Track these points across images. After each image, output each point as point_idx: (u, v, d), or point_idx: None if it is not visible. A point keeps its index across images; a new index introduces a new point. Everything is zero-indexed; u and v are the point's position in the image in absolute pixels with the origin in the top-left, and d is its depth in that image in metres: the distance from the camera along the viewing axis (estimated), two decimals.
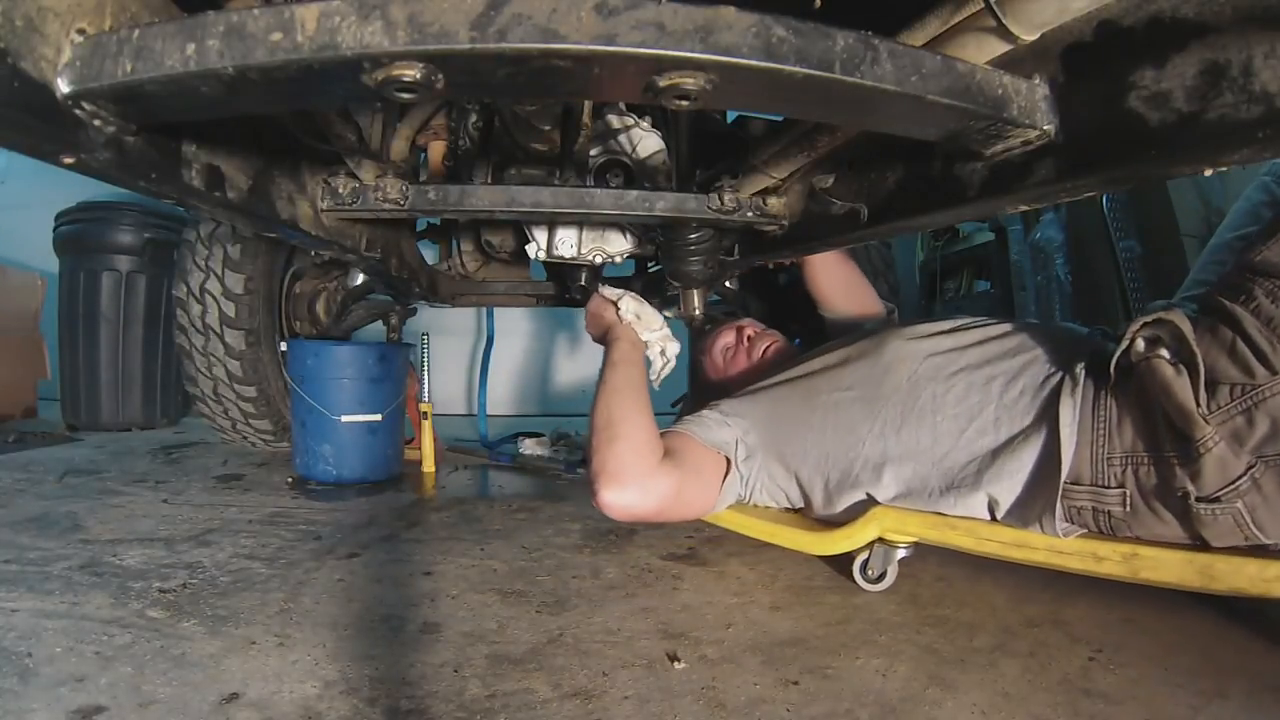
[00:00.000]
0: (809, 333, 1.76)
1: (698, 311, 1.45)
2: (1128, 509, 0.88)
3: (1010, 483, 0.95)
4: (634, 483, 1.00)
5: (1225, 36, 0.51)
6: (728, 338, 1.47)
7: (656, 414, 1.07)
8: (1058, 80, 0.64)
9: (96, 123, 0.57)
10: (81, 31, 0.53)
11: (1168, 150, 0.56)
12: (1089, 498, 0.90)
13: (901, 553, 1.11)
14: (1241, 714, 0.77)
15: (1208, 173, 0.58)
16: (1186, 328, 0.82)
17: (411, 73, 0.50)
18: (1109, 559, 0.90)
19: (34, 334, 3.09)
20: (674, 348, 1.24)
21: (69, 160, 0.58)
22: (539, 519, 1.54)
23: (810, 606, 1.06)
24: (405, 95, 0.53)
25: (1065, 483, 0.90)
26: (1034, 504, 0.93)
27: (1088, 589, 1.10)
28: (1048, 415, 0.93)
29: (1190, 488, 0.82)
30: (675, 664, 0.87)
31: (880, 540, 1.09)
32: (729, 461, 1.14)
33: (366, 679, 0.82)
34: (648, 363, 1.22)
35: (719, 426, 1.17)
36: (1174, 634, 0.96)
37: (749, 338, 1.45)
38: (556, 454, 2.23)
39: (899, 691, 0.81)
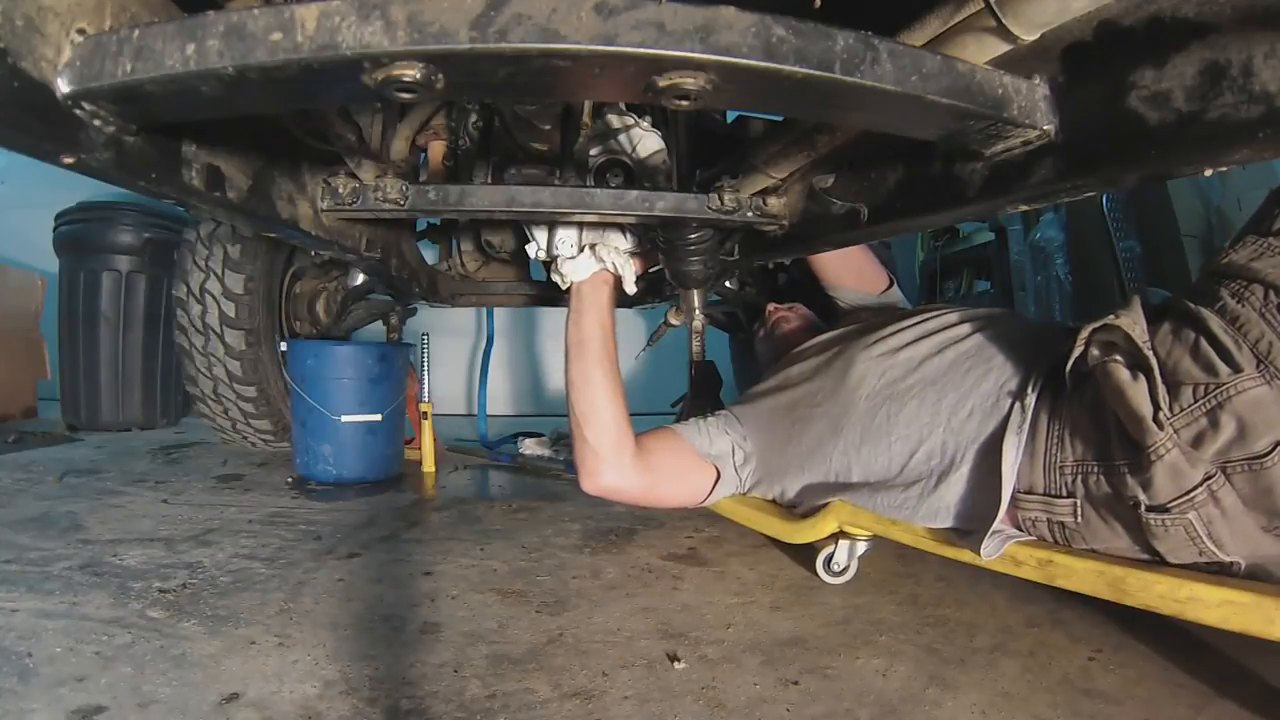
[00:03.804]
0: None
1: (698, 312, 1.45)
2: (1079, 519, 0.86)
3: (950, 511, 0.96)
4: (608, 472, 1.12)
5: (1225, 36, 0.51)
6: (777, 311, 1.58)
7: (656, 414, 1.07)
8: (1058, 80, 0.64)
9: (96, 123, 0.57)
10: (81, 31, 0.53)
11: (1168, 150, 0.56)
12: (1041, 508, 0.89)
13: (863, 547, 1.14)
14: (1242, 714, 0.77)
15: (1208, 173, 0.58)
16: (1138, 331, 0.79)
17: (411, 73, 0.50)
18: (1026, 564, 0.89)
19: (34, 334, 3.09)
20: (625, 264, 1.23)
21: (69, 160, 0.58)
22: (539, 519, 1.54)
23: (810, 606, 1.06)
24: (405, 95, 0.53)
25: (1018, 492, 0.90)
26: (971, 532, 0.93)
27: None
28: (992, 448, 0.92)
29: (1141, 496, 0.78)
30: (675, 664, 0.87)
31: (843, 534, 1.12)
32: (718, 472, 1.21)
33: (366, 679, 0.82)
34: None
35: (719, 436, 1.23)
36: (1174, 634, 0.95)
37: (773, 320, 1.55)
38: (556, 454, 2.23)
39: (899, 691, 0.81)
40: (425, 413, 2.08)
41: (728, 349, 2.58)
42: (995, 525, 0.88)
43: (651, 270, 1.52)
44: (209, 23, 0.50)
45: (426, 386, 2.13)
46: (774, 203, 1.13)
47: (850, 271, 1.48)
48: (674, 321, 1.50)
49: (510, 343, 3.77)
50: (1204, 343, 0.76)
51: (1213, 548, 0.77)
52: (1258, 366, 0.72)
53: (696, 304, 1.42)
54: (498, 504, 1.69)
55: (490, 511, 1.61)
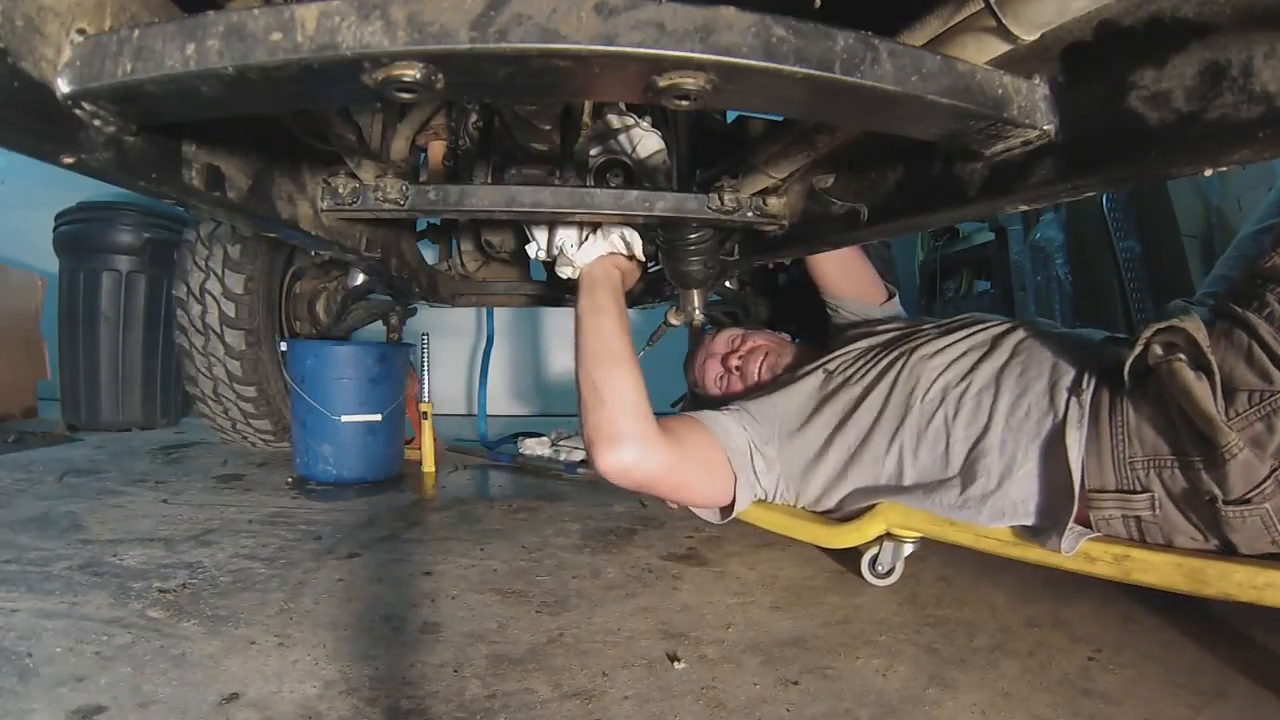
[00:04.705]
0: (810, 332, 1.76)
1: (698, 312, 1.45)
2: (1157, 511, 0.87)
3: (1017, 509, 0.96)
4: (631, 442, 0.99)
5: (1225, 36, 0.51)
6: (715, 368, 1.47)
7: (656, 414, 1.06)
8: (1058, 80, 0.64)
9: (96, 123, 0.57)
10: (81, 31, 0.53)
11: (1168, 150, 0.56)
12: (1116, 505, 0.90)
13: (909, 548, 1.13)
14: (1242, 714, 0.77)
15: (1208, 173, 0.58)
16: (1201, 335, 0.82)
17: (411, 73, 0.50)
18: (1101, 560, 0.90)
19: (34, 334, 3.10)
20: (634, 236, 1.22)
21: (69, 160, 0.58)
22: (539, 519, 1.54)
23: (810, 606, 1.06)
24: (405, 95, 0.52)
25: (1090, 491, 0.90)
26: (1044, 530, 0.94)
27: (1088, 589, 1.10)
28: (1054, 441, 0.93)
29: (1217, 491, 0.81)
30: (675, 664, 0.87)
31: (889, 536, 1.11)
32: (735, 476, 1.14)
33: (366, 679, 0.82)
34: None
35: (737, 433, 1.17)
36: (1174, 634, 0.96)
37: (737, 368, 1.43)
38: (556, 454, 2.23)
39: (899, 691, 0.81)
40: (425, 413, 2.09)
41: None
42: (1071, 520, 0.90)
43: (651, 270, 1.52)
44: (209, 23, 0.50)
45: (426, 386, 2.13)
46: (774, 203, 1.13)
47: (852, 283, 1.48)
48: (674, 321, 1.50)
49: (510, 343, 3.77)
50: (1257, 349, 0.80)
51: None
52: None
53: (696, 304, 1.42)
54: (498, 504, 1.69)
55: (490, 511, 1.61)
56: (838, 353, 1.27)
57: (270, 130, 0.92)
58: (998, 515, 0.97)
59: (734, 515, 1.17)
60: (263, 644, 0.90)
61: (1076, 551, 0.90)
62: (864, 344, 1.28)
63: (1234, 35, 0.50)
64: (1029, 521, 0.95)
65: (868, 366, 1.19)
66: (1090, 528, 0.92)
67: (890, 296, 1.50)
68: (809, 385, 1.23)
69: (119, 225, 2.71)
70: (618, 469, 1.00)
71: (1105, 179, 0.64)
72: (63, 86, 0.52)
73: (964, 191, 0.77)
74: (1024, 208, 0.79)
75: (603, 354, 1.06)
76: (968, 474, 1.00)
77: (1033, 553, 0.95)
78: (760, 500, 1.20)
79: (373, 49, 0.48)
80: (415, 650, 0.90)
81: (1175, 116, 0.54)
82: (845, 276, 1.48)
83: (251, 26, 0.49)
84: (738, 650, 0.91)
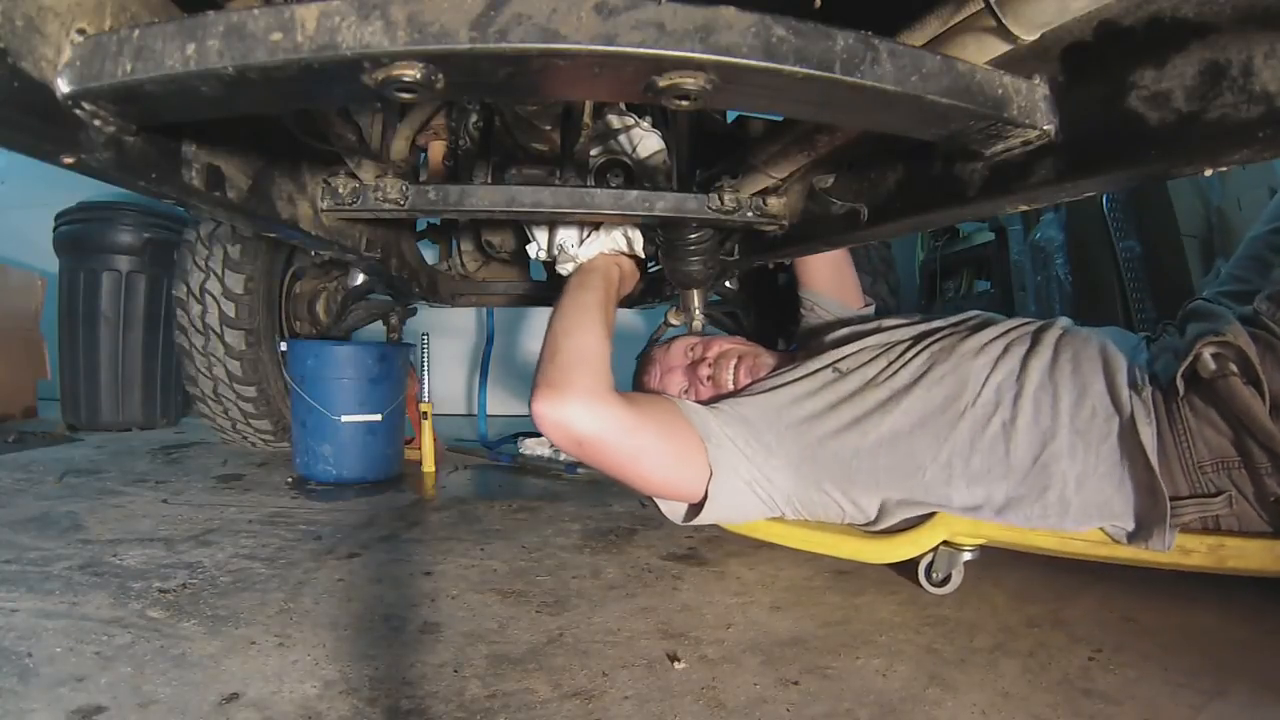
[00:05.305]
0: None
1: (698, 312, 1.45)
2: (1233, 508, 0.92)
3: (1100, 511, 0.96)
4: (580, 391, 0.91)
5: (1225, 36, 0.51)
6: (677, 382, 1.30)
7: None
8: (1058, 80, 0.64)
9: (96, 123, 0.57)
10: (81, 31, 0.53)
11: (1168, 150, 0.56)
12: (1196, 509, 0.93)
13: (967, 555, 1.06)
14: (1242, 714, 0.77)
15: (1208, 173, 0.58)
16: (1252, 351, 0.86)
17: (412, 73, 0.50)
18: (1196, 551, 0.93)
19: (34, 334, 3.10)
20: (635, 233, 1.23)
21: (69, 160, 0.58)
22: (539, 519, 1.54)
23: (810, 606, 1.06)
24: (405, 95, 0.53)
25: (1170, 499, 0.91)
26: (1143, 528, 0.94)
27: (1088, 589, 1.10)
28: (1126, 440, 0.94)
29: None
30: (675, 664, 0.87)
31: (945, 543, 1.06)
32: (710, 468, 1.03)
33: (366, 679, 0.82)
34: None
35: (717, 428, 1.07)
36: (1174, 634, 0.95)
37: (708, 378, 1.27)
38: (556, 454, 2.23)
39: (899, 691, 0.81)
40: (425, 413, 2.08)
41: None
42: (1168, 516, 0.91)
43: (652, 270, 1.52)
44: (209, 23, 0.50)
45: (426, 386, 2.13)
46: (774, 203, 1.13)
47: (836, 283, 1.46)
48: (674, 321, 1.50)
49: (511, 343, 3.77)
50: None
51: None
52: None
53: (696, 304, 1.42)
54: (498, 504, 1.69)
55: (490, 511, 1.61)
56: (845, 351, 1.18)
57: (270, 130, 0.92)
58: (1085, 519, 0.96)
59: (705, 518, 1.06)
60: (263, 644, 0.90)
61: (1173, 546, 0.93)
62: (874, 341, 1.19)
63: (1234, 35, 0.50)
64: (1119, 522, 0.96)
65: (895, 366, 1.10)
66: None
67: (869, 306, 1.48)
68: (814, 384, 1.13)
69: (119, 225, 2.71)
70: (559, 419, 0.91)
71: (1105, 179, 0.64)
72: (63, 86, 0.52)
73: (964, 191, 0.77)
74: (1024, 208, 0.79)
75: (575, 318, 1.03)
76: (1039, 480, 0.97)
77: (1124, 552, 0.97)
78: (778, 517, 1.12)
79: (373, 49, 0.48)
80: (415, 650, 0.90)
81: (1175, 116, 0.54)
82: (835, 274, 1.46)
83: (251, 26, 0.50)
84: (738, 650, 0.91)
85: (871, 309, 1.48)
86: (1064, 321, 1.11)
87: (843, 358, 1.17)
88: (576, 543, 1.37)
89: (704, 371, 1.28)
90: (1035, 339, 1.07)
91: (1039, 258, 2.68)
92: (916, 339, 1.16)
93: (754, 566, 1.23)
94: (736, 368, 1.27)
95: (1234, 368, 0.87)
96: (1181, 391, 0.91)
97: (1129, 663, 0.88)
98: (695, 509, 1.08)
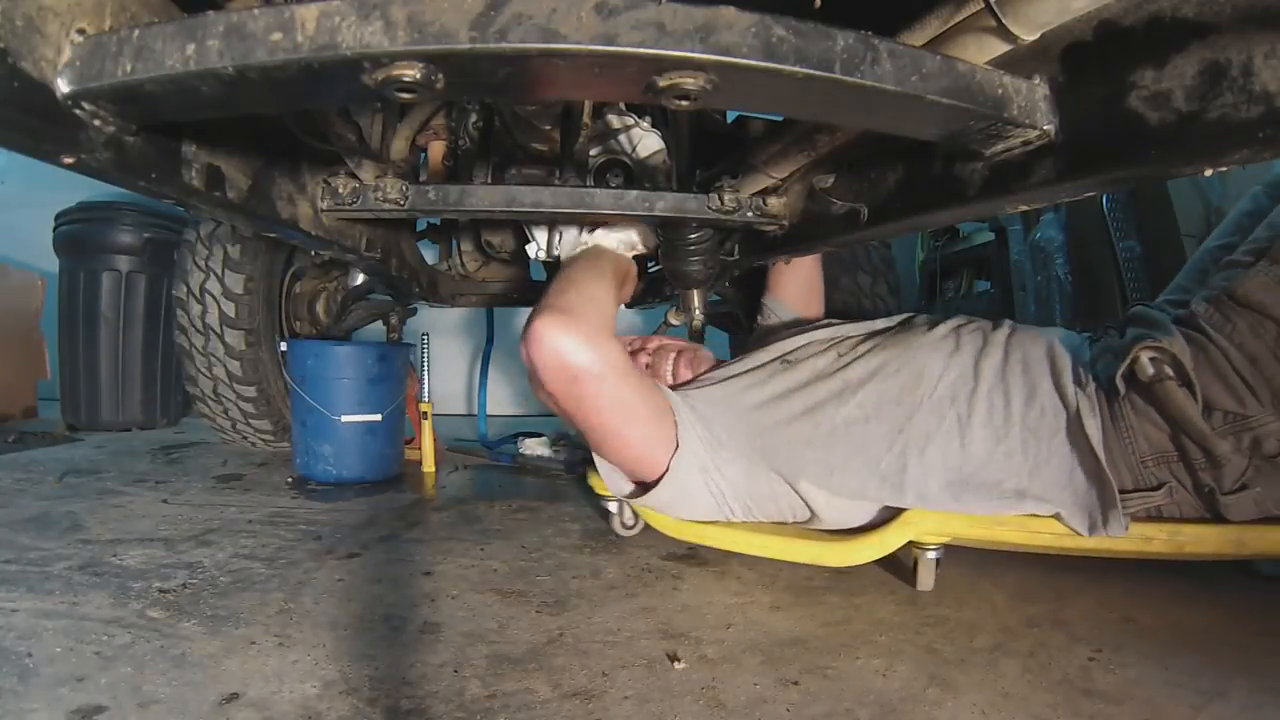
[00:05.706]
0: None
1: (698, 312, 1.45)
2: (1173, 498, 0.98)
3: (1052, 502, 0.99)
4: (584, 323, 0.89)
5: (1225, 36, 0.51)
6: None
7: None
8: (1058, 80, 0.64)
9: (96, 123, 0.57)
10: (81, 31, 0.53)
11: (1168, 150, 0.56)
12: (1141, 502, 0.98)
13: (931, 554, 1.07)
14: (1242, 714, 0.77)
15: (1208, 173, 0.58)
16: (1186, 357, 0.92)
17: (411, 73, 0.50)
18: (1156, 538, 0.98)
19: (34, 334, 3.09)
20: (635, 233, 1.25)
21: (69, 160, 0.58)
22: (539, 519, 1.54)
23: (810, 606, 1.06)
24: (405, 95, 0.53)
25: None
26: (1097, 515, 0.97)
27: (1088, 589, 1.10)
28: (1074, 432, 0.99)
29: (1214, 484, 0.95)
30: (675, 664, 0.87)
31: (911, 544, 1.05)
32: (677, 442, 1.03)
33: (366, 679, 0.82)
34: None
35: (680, 404, 1.08)
36: (1174, 634, 0.95)
37: (647, 365, 1.29)
38: (556, 454, 2.23)
39: (899, 691, 0.81)
40: (425, 413, 2.08)
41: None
42: (1117, 502, 0.95)
43: (652, 270, 1.52)
44: (209, 23, 0.50)
45: (426, 386, 2.13)
46: (774, 203, 1.13)
47: (803, 295, 1.49)
48: (674, 321, 1.50)
49: (511, 343, 3.76)
50: (1233, 376, 0.92)
51: (1271, 506, 0.95)
52: (1273, 403, 0.90)
53: (696, 304, 1.42)
54: (498, 504, 1.69)
55: (490, 511, 1.61)
56: (794, 344, 1.20)
57: (270, 130, 0.92)
58: (1040, 502, 0.99)
59: (651, 499, 1.04)
60: (263, 644, 0.90)
61: (1132, 534, 0.96)
62: (822, 335, 1.21)
63: (1234, 35, 0.50)
64: (1073, 510, 0.98)
65: (846, 359, 1.12)
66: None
67: (825, 317, 1.50)
68: (763, 375, 1.14)
69: (119, 225, 2.71)
70: (559, 346, 0.88)
71: (1105, 179, 0.64)
72: (63, 86, 0.52)
73: (964, 191, 0.77)
74: (1024, 208, 0.80)
75: (589, 272, 1.08)
76: (995, 471, 1.01)
77: (1088, 543, 0.99)
78: (725, 520, 1.12)
79: (373, 49, 0.48)
80: (415, 650, 0.90)
81: (1175, 116, 0.54)
82: (804, 286, 1.50)
83: (251, 26, 0.50)
84: (738, 650, 0.91)
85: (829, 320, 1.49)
86: (1009, 322, 1.16)
87: (791, 350, 1.20)
88: (576, 543, 1.37)
89: (643, 360, 1.28)
90: (986, 339, 1.11)
91: (1039, 258, 2.68)
92: (867, 336, 1.20)
93: (754, 566, 1.23)
94: (676, 360, 1.28)
95: (1169, 371, 0.92)
96: (1123, 391, 0.96)
97: (1129, 663, 0.88)
98: (644, 488, 1.06)
